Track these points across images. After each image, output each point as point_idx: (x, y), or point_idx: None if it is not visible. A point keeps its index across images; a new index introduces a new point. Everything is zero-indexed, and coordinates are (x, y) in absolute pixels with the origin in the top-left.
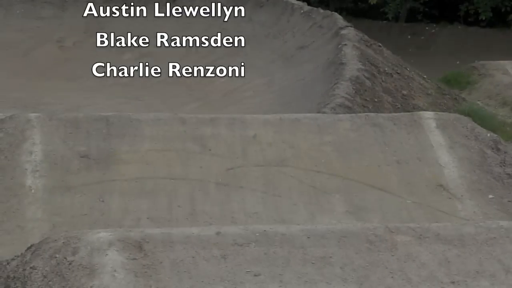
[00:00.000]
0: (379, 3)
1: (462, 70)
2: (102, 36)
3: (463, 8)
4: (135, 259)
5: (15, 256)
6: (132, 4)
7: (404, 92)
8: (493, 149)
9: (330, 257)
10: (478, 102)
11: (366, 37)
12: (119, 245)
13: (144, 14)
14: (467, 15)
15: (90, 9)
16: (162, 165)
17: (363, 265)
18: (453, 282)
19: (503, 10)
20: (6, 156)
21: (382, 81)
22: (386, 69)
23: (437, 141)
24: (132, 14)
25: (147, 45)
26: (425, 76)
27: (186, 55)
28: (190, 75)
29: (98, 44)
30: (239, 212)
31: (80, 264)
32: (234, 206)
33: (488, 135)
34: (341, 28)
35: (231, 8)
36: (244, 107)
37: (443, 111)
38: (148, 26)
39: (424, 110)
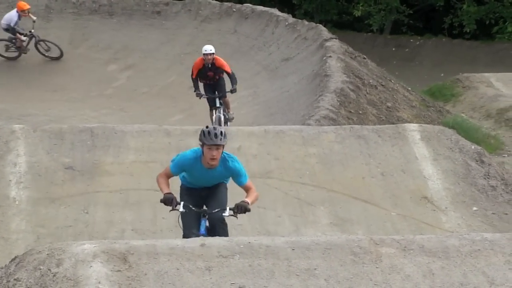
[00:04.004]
0: (363, 15)
1: (446, 82)
2: (87, 48)
3: (447, 20)
4: (120, 271)
5: None
6: (117, 15)
7: (389, 104)
8: (477, 161)
9: (315, 269)
10: (463, 115)
11: (350, 49)
12: (104, 257)
13: (129, 26)
14: (452, 28)
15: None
16: (146, 176)
17: (347, 277)
18: None
19: (487, 22)
20: None
21: (367, 93)
22: (370, 81)
23: (422, 153)
24: (117, 26)
25: (132, 56)
26: (409, 88)
27: (171, 66)
28: (175, 86)
29: (83, 55)
30: None
31: (65, 276)
32: None
33: (473, 147)
34: (326, 40)
35: (216, 20)
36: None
37: (427, 123)
38: (133, 37)
39: (409, 122)
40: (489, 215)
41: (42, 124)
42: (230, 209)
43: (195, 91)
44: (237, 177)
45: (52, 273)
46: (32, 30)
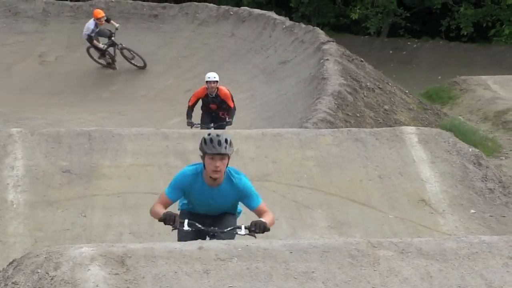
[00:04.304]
0: (361, 18)
1: (443, 85)
2: (84, 51)
3: (444, 23)
4: (118, 274)
5: None
6: (114, 19)
7: (386, 107)
8: (474, 164)
9: (313, 272)
10: (460, 117)
11: (348, 52)
12: (101, 260)
13: (126, 29)
14: (449, 30)
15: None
16: (144, 180)
17: (345, 280)
18: None
19: (484, 25)
20: None
21: (364, 96)
22: (368, 84)
23: (419, 156)
24: (114, 29)
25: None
26: (407, 91)
27: (168, 70)
28: (172, 89)
29: (80, 59)
30: None
31: (62, 279)
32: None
33: (470, 150)
34: (323, 43)
35: (213, 23)
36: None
37: (425, 126)
38: (130, 41)
39: (406, 125)
40: (486, 217)
41: (40, 127)
42: (245, 227)
43: (187, 119)
44: (247, 198)
45: (50, 277)
46: (113, 38)
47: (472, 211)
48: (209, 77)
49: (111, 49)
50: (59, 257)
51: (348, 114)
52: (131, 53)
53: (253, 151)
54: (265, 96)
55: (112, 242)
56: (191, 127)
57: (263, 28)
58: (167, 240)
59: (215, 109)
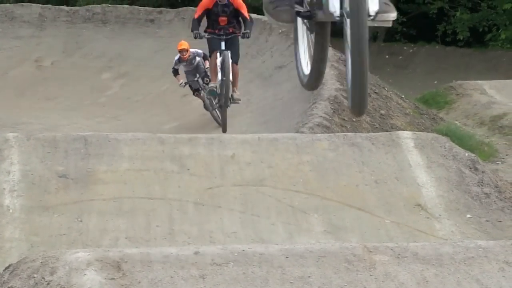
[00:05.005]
0: None
1: (440, 89)
2: (80, 56)
3: (441, 28)
4: (114, 279)
5: None
6: (110, 24)
7: (382, 111)
8: (471, 168)
9: (309, 276)
10: (456, 122)
11: (344, 56)
12: (98, 265)
13: (123, 34)
14: (445, 35)
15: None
16: (140, 184)
17: (341, 284)
18: None
19: (480, 30)
20: None
21: None
22: None
23: (415, 160)
24: (110, 34)
25: (125, 65)
26: (403, 96)
27: (165, 75)
28: (169, 94)
29: (77, 63)
30: (217, 231)
31: (58, 284)
32: (212, 225)
33: (466, 154)
34: None
35: None
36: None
37: (421, 131)
38: (127, 45)
39: (402, 129)
40: (483, 222)
41: (36, 132)
42: None
43: (192, 31)
44: None
45: (46, 282)
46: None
47: (468, 216)
48: None
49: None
50: (55, 262)
51: (344, 119)
52: None
53: (249, 155)
54: (261, 101)
55: (108, 247)
56: (196, 38)
57: (259, 32)
58: (163, 245)
59: (225, 23)
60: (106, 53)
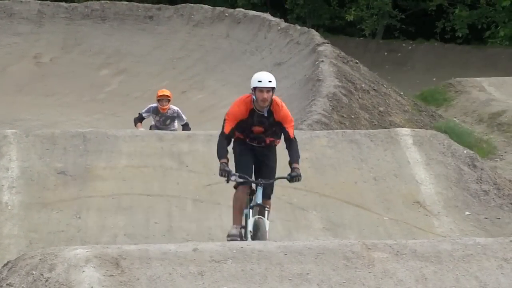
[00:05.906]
0: (356, 19)
1: (438, 87)
2: (79, 53)
3: (439, 25)
4: (112, 275)
5: None
6: (109, 20)
7: (381, 108)
8: (469, 166)
9: (307, 273)
10: (455, 119)
11: (343, 53)
12: (96, 262)
13: (121, 31)
14: (444, 32)
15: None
16: (139, 181)
17: (340, 281)
18: None
19: (479, 27)
20: None
21: (359, 97)
22: (363, 85)
23: (414, 157)
24: (109, 31)
25: (124, 61)
26: (401, 93)
27: (163, 71)
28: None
29: (75, 60)
30: (216, 228)
31: (57, 281)
32: (211, 222)
33: (465, 152)
34: (318, 45)
35: (208, 24)
36: (221, 124)
37: (419, 128)
38: (125, 42)
39: (401, 126)
40: (481, 219)
41: (35, 129)
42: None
43: (222, 171)
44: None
45: (45, 278)
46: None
47: (467, 213)
48: (260, 80)
49: None
50: (54, 259)
51: (343, 116)
52: None
53: None
54: None
55: (107, 243)
56: (227, 180)
57: (258, 29)
58: (162, 241)
59: (261, 133)
60: (105, 50)
